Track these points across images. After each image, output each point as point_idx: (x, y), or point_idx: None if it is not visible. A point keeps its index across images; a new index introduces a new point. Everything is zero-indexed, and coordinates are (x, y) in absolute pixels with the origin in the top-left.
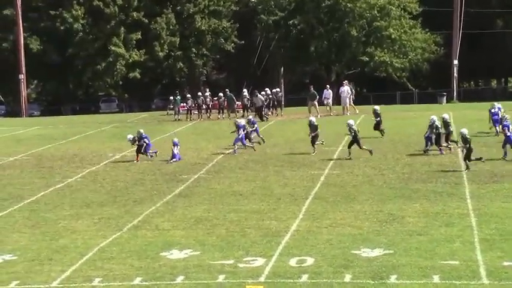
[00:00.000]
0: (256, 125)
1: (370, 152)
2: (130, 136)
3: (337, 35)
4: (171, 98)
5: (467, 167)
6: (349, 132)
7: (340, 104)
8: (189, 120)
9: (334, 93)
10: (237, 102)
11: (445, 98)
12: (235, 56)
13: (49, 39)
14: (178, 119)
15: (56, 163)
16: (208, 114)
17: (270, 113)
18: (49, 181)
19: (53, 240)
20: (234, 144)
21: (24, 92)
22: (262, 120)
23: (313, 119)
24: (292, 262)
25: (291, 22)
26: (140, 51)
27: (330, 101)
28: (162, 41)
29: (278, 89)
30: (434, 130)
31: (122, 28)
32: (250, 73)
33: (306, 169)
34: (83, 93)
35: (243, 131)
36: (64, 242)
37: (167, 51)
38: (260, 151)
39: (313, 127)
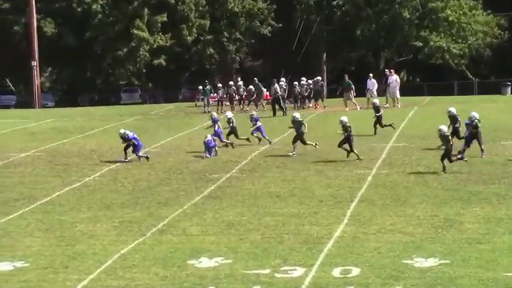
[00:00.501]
0: (259, 123)
1: (358, 156)
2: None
3: (387, 17)
4: (200, 87)
5: (444, 169)
6: (341, 131)
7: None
8: (220, 112)
9: (382, 83)
10: (266, 93)
11: (509, 88)
12: (272, 40)
13: (65, 22)
14: (208, 111)
15: (72, 160)
16: (241, 106)
17: (310, 105)
18: (64, 180)
19: (68, 246)
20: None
21: (37, 80)
22: (284, 113)
23: (344, 118)
24: (336, 272)
25: (334, 3)
26: (166, 35)
27: (375, 92)
28: (190, 24)
29: (319, 78)
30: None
31: (146, 9)
32: (289, 60)
33: (351, 168)
34: (102, 82)
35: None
36: (81, 248)
37: (196, 35)
38: (300, 148)
39: (345, 127)
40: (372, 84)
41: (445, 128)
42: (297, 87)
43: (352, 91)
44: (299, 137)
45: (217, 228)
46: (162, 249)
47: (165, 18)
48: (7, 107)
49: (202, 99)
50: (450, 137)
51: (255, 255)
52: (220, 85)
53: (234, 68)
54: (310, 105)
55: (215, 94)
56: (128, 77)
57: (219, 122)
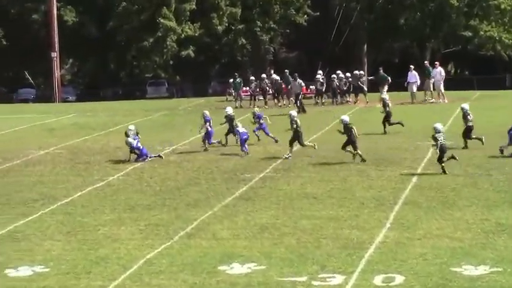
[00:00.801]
0: (262, 121)
1: (362, 158)
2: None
3: (433, 4)
4: (231, 80)
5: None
6: (342, 130)
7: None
8: (252, 107)
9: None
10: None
11: None
12: (308, 30)
13: (87, 10)
14: (240, 106)
15: (94, 158)
16: (275, 101)
17: (349, 100)
18: (86, 179)
19: (91, 250)
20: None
21: (57, 73)
22: (303, 111)
23: (345, 118)
24: (378, 280)
25: None
26: (194, 24)
27: (415, 86)
28: (220, 13)
29: (362, 72)
30: None
31: None
32: (327, 51)
33: (394, 168)
34: (126, 74)
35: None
36: (104, 252)
37: (227, 24)
38: (338, 146)
39: (347, 128)
40: (413, 76)
41: (440, 126)
42: (336, 81)
43: (386, 85)
44: (297, 138)
45: (249, 232)
46: (190, 254)
47: (194, 6)
48: (25, 101)
49: (233, 94)
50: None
51: (290, 261)
52: (252, 78)
53: (268, 59)
54: (350, 99)
55: (247, 88)
56: (154, 69)
57: (211, 121)
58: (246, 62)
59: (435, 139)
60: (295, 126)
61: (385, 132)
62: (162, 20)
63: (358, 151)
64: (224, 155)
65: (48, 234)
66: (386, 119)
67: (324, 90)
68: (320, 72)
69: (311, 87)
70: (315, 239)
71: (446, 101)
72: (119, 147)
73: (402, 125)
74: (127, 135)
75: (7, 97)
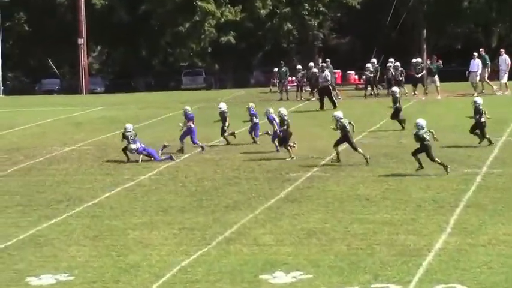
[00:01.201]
0: (256, 120)
1: (366, 159)
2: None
3: None
4: (276, 70)
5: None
6: (335, 127)
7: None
8: (299, 99)
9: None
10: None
11: None
12: (362, 13)
13: None
14: (286, 99)
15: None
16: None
17: (406, 91)
18: (115, 178)
19: (120, 256)
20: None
21: (84, 61)
22: (334, 106)
23: (338, 114)
24: None
25: None
26: (235, 7)
27: (478, 76)
28: None
29: (419, 60)
30: None
31: None
32: (382, 37)
33: (456, 166)
34: (160, 63)
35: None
36: (134, 259)
37: (271, 7)
38: (394, 141)
39: (341, 126)
40: (476, 65)
41: (423, 122)
42: (391, 70)
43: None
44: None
45: (295, 237)
46: (229, 261)
47: None
48: (49, 92)
49: (278, 84)
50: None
51: (340, 269)
52: (299, 67)
53: (316, 46)
54: (406, 91)
55: (293, 78)
56: (190, 57)
57: (193, 120)
58: (292, 49)
59: (419, 138)
60: (340, 127)
61: (403, 128)
62: (199, 3)
63: (359, 150)
64: (267, 153)
65: (73, 238)
66: (395, 114)
67: (375, 79)
68: (373, 60)
69: (364, 76)
70: (367, 245)
71: (507, 93)
72: (151, 143)
73: (403, 127)
74: (125, 137)
75: (29, 88)
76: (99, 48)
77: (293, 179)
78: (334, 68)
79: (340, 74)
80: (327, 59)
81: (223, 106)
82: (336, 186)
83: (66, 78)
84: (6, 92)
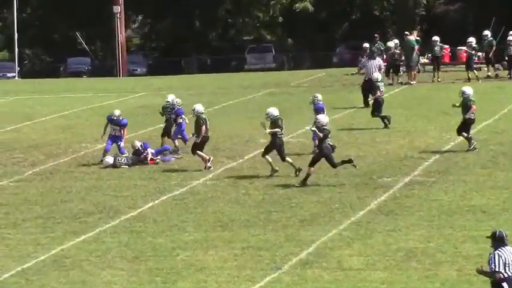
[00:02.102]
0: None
1: (350, 161)
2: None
3: None
4: (366, 45)
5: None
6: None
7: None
8: (395, 81)
9: None
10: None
11: None
12: None
13: None
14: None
15: (172, 154)
16: (433, 74)
17: None
18: (161, 184)
19: (167, 283)
20: None
21: (121, 35)
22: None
23: (321, 118)
24: None
25: None
26: None
27: None
28: None
29: None
30: None
31: None
32: (503, 3)
33: None
34: (218, 37)
35: None
36: (185, 286)
37: None
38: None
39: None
40: None
41: (324, 119)
42: None
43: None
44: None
45: (390, 260)
46: None
47: None
48: (77, 74)
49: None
50: None
51: None
52: (396, 41)
53: (418, 14)
54: None
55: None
56: (256, 29)
57: (183, 116)
58: (387, 19)
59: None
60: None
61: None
62: None
63: (288, 159)
64: (354, 152)
65: (107, 260)
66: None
67: (489, 57)
68: (487, 33)
69: (479, 54)
70: None
71: None
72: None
73: (386, 125)
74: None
75: (53, 69)
76: (140, 18)
77: (387, 185)
78: (441, 42)
79: (449, 50)
80: (376, 34)
81: (199, 108)
82: (443, 195)
83: (98, 57)
84: (23, 74)
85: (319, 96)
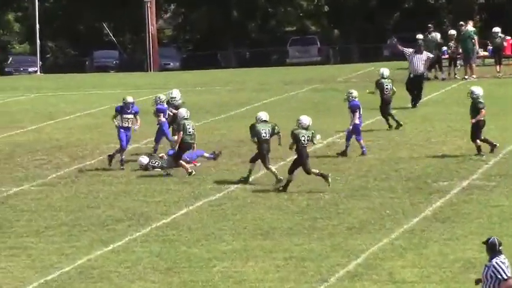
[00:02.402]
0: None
1: (325, 178)
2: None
3: None
4: (419, 36)
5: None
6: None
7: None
8: (452, 75)
9: None
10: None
11: None
12: None
13: None
14: (434, 77)
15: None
16: (497, 68)
17: None
18: (195, 188)
19: None
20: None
21: (152, 26)
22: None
23: (303, 119)
24: None
25: None
26: None
27: None
28: None
29: None
30: None
31: None
32: None
33: None
34: (257, 28)
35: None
36: None
37: None
38: None
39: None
40: None
41: (307, 120)
42: None
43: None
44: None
45: (446, 272)
46: None
47: None
48: (104, 69)
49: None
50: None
51: None
52: (452, 32)
53: (477, 3)
54: None
55: (444, 48)
56: (300, 19)
57: (167, 112)
58: (443, 7)
59: (295, 137)
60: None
61: (389, 127)
62: None
63: (270, 167)
64: (408, 153)
65: (137, 271)
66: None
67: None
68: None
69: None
70: None
71: None
72: (242, 140)
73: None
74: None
75: (78, 63)
76: (172, 7)
77: (444, 189)
78: (503, 33)
79: (511, 41)
80: (430, 25)
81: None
82: (505, 200)
83: (127, 50)
84: (45, 69)
85: (354, 93)
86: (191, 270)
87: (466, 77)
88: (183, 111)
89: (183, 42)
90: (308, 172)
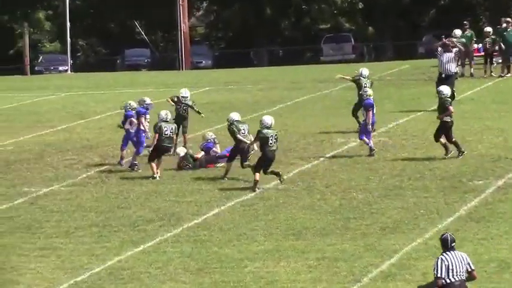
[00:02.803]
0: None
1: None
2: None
3: None
4: (456, 33)
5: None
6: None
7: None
8: (487, 75)
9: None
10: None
11: None
12: None
13: None
14: (470, 74)
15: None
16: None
17: None
18: (228, 188)
19: None
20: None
21: (184, 24)
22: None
23: (266, 119)
24: None
25: None
26: None
27: None
28: None
29: None
30: None
31: None
32: None
33: None
34: (291, 26)
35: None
36: None
37: None
38: None
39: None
40: None
41: (269, 120)
42: None
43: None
44: None
45: (481, 271)
46: None
47: None
48: (136, 67)
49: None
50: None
51: None
52: (488, 29)
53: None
54: None
55: (478, 45)
56: (334, 16)
57: (146, 114)
58: (480, 4)
59: (261, 138)
60: None
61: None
62: None
63: (247, 163)
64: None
65: (168, 272)
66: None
67: None
68: None
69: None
70: None
71: None
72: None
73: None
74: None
75: (109, 62)
76: (204, 5)
77: (479, 189)
78: None
79: None
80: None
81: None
82: None
83: (159, 48)
84: (76, 68)
85: (369, 91)
86: (222, 270)
87: (502, 74)
88: (162, 113)
89: (215, 40)
90: (265, 172)
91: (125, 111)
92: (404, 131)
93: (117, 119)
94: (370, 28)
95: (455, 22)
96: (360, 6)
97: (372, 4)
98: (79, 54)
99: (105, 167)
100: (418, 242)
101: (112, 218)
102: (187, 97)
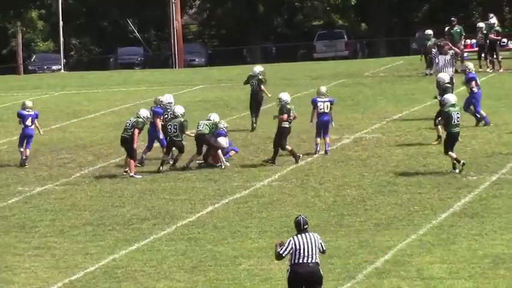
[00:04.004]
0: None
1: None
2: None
3: None
4: (448, 29)
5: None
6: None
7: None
8: (485, 68)
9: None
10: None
11: None
12: None
13: None
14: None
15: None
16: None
17: None
18: (221, 186)
19: None
20: None
21: (177, 22)
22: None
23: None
24: None
25: None
26: None
27: None
28: None
29: None
30: None
31: None
32: None
33: None
34: (283, 22)
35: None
36: None
37: None
38: None
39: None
40: None
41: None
42: None
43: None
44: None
45: (475, 268)
46: None
47: None
48: (129, 65)
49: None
50: None
51: None
52: (480, 25)
53: None
54: None
55: (471, 41)
56: (326, 12)
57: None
58: (472, 0)
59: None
60: None
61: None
62: None
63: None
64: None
65: (163, 270)
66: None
67: None
68: None
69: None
70: None
71: None
72: (269, 136)
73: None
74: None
75: (102, 60)
76: (197, 3)
77: (473, 184)
78: None
79: None
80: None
81: (143, 112)
82: None
83: (152, 47)
84: (69, 67)
85: (323, 88)
86: (217, 268)
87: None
88: (143, 112)
89: (208, 38)
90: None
91: (151, 109)
92: (398, 127)
93: (110, 117)
94: (363, 24)
95: (447, 18)
96: (353, 3)
97: (364, 1)
98: (72, 53)
99: (98, 165)
100: (412, 238)
101: (106, 217)
102: (171, 102)
